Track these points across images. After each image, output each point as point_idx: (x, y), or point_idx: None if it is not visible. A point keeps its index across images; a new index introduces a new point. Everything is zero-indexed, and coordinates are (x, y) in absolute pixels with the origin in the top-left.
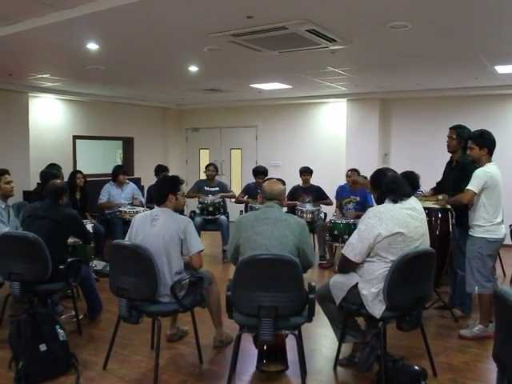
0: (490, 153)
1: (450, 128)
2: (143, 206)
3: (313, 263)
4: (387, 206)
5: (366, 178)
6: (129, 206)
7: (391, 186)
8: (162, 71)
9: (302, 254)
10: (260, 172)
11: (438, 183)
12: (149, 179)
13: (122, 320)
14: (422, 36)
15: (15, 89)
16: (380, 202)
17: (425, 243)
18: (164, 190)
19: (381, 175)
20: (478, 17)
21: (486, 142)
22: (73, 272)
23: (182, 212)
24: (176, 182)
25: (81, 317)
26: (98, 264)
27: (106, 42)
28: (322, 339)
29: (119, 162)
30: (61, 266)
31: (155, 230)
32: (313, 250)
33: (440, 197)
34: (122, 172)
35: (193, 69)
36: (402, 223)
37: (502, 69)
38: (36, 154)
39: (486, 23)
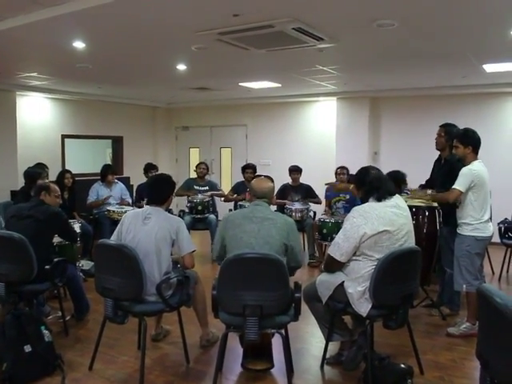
0: (476, 151)
1: (440, 126)
2: (132, 206)
3: (301, 263)
4: (371, 205)
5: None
6: (117, 206)
7: (375, 183)
8: (151, 70)
9: (290, 252)
10: (248, 166)
11: (426, 181)
12: (138, 178)
13: (108, 320)
14: (410, 35)
15: (2, 87)
16: (364, 200)
17: (410, 240)
18: (167, 191)
19: (364, 174)
20: (466, 15)
21: (469, 141)
22: (59, 272)
23: (170, 210)
24: (174, 184)
25: (68, 317)
26: (85, 264)
27: (93, 40)
28: (310, 338)
29: (108, 161)
30: (46, 266)
31: (147, 228)
32: (302, 250)
33: (429, 191)
34: (111, 172)
35: (181, 67)
36: (387, 221)
37: (490, 67)
38: (24, 153)
39: (474, 22)
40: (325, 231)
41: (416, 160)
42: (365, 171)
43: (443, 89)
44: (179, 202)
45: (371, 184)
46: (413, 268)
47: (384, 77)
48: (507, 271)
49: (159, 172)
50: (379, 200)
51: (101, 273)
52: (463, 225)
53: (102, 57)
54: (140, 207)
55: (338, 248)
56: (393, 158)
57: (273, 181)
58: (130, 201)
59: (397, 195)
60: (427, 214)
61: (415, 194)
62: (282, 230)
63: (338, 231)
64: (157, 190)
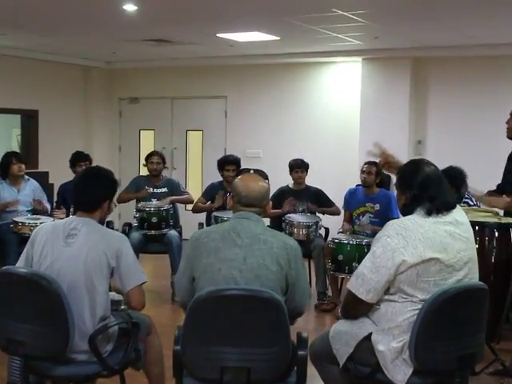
0: None
1: None
2: (48, 214)
3: (304, 309)
4: (416, 220)
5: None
6: (29, 216)
7: (431, 190)
8: (83, 10)
9: (289, 294)
10: (229, 161)
11: (498, 186)
12: (61, 174)
13: None
14: None
15: None
16: (408, 211)
17: (471, 275)
18: (102, 192)
19: (414, 170)
20: None
21: None
22: None
23: (108, 224)
24: (116, 183)
25: None
26: None
27: None
28: None
29: (16, 148)
30: None
31: (71, 251)
32: (308, 289)
33: (508, 199)
34: (17, 160)
35: (129, 7)
36: (437, 245)
37: None
38: None
39: None
40: (341, 257)
41: (482, 153)
42: (414, 166)
43: None
44: (123, 212)
45: (423, 188)
46: (475, 316)
47: (434, 27)
48: None
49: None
50: (429, 214)
51: (4, 317)
52: None
53: None
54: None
55: (362, 282)
56: (445, 150)
57: (267, 178)
58: (49, 206)
59: (457, 206)
60: (497, 234)
61: (484, 200)
62: (281, 258)
63: (361, 258)
64: (86, 190)
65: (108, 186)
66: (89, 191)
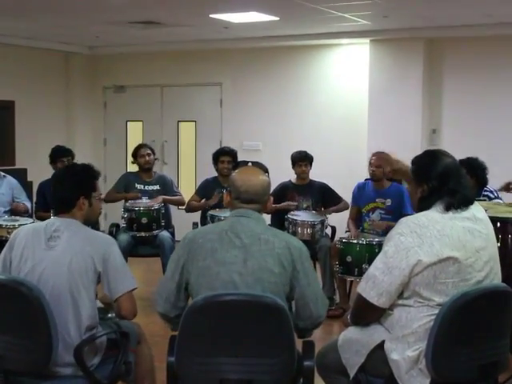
0: None
1: None
2: (30, 216)
3: (322, 318)
4: (432, 216)
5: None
6: (6, 217)
7: (453, 182)
8: None
9: (298, 297)
10: (224, 152)
11: None
12: (40, 171)
13: None
14: None
15: None
16: (425, 205)
17: (493, 275)
18: (72, 189)
19: (433, 160)
20: None
21: None
22: None
23: (96, 225)
24: (91, 177)
25: None
26: None
27: None
28: None
29: None
30: None
31: (54, 254)
32: (321, 294)
33: None
34: None
35: None
36: (455, 242)
37: None
38: None
39: None
40: (349, 259)
41: (505, 145)
42: (432, 156)
43: None
44: (110, 212)
45: (443, 180)
46: (498, 321)
47: (449, 4)
48: None
49: (75, 161)
50: (448, 209)
51: None
52: None
53: None
54: (43, 218)
55: (373, 284)
56: (462, 140)
57: (267, 171)
58: (29, 205)
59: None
60: None
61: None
62: (284, 259)
63: (372, 259)
64: (56, 189)
65: (77, 181)
66: (59, 190)
